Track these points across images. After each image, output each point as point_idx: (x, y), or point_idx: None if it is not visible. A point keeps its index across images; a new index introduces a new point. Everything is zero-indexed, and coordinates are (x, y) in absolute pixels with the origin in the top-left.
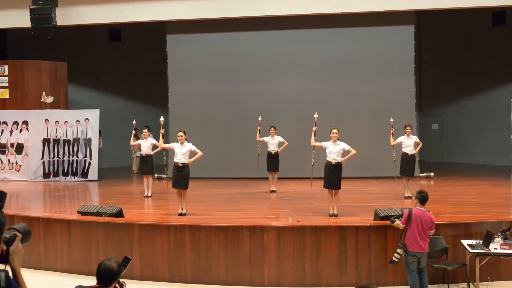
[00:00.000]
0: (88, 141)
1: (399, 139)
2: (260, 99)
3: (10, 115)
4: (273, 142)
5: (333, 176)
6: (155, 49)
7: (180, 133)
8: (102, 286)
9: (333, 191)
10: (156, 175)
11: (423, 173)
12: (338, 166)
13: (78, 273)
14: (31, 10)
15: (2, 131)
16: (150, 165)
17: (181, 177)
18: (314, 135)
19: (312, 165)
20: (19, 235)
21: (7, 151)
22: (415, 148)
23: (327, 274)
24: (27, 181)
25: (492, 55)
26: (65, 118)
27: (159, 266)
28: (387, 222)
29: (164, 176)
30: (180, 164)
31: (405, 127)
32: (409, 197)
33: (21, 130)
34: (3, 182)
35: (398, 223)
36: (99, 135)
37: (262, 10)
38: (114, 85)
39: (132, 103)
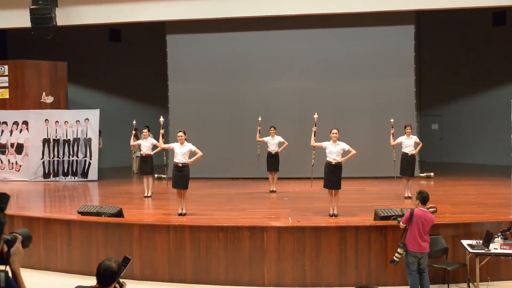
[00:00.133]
0: (88, 141)
1: (399, 139)
2: (260, 99)
3: (10, 115)
4: (273, 142)
5: (333, 176)
6: (155, 49)
7: (180, 133)
8: (102, 286)
9: (333, 191)
10: (156, 175)
11: (423, 173)
12: (338, 166)
13: (78, 273)
14: (31, 10)
15: (2, 131)
16: (150, 165)
17: (181, 177)
18: (314, 136)
19: (312, 165)
20: (20, 237)
21: (7, 151)
22: (415, 148)
23: (327, 274)
24: (27, 181)
25: (492, 55)
26: (65, 118)
27: (159, 266)
28: (387, 222)
29: (164, 176)
30: (180, 164)
31: (405, 127)
32: (409, 197)
33: (21, 130)
34: (3, 182)
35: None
36: (99, 135)
37: (261, 10)
38: (114, 85)
39: (132, 103)
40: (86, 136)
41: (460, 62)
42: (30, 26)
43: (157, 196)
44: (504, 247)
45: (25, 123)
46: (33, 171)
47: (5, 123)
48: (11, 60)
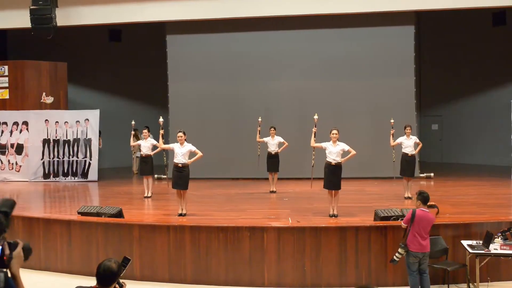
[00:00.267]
0: (88, 142)
1: (399, 140)
2: (260, 99)
3: (10, 115)
4: (273, 143)
5: (333, 176)
6: (155, 49)
7: (180, 134)
8: (102, 287)
9: (333, 191)
10: (156, 176)
11: (423, 173)
12: (337, 167)
13: (78, 274)
14: (31, 11)
15: (2, 132)
16: (150, 165)
17: (181, 177)
18: (314, 136)
19: (312, 166)
20: (21, 242)
21: (7, 152)
22: (415, 149)
23: (327, 274)
24: (27, 181)
25: (492, 55)
26: (65, 118)
27: (159, 267)
28: (387, 223)
29: (164, 176)
30: (180, 165)
31: (405, 127)
32: (409, 198)
33: (21, 131)
34: (3, 183)
35: None
36: (99, 136)
37: (261, 10)
38: (114, 85)
39: (132, 103)
40: (86, 136)
41: (460, 62)
42: (30, 26)
43: (157, 196)
44: (504, 247)
45: (25, 123)
46: (33, 171)
47: (5, 123)
48: (11, 60)
